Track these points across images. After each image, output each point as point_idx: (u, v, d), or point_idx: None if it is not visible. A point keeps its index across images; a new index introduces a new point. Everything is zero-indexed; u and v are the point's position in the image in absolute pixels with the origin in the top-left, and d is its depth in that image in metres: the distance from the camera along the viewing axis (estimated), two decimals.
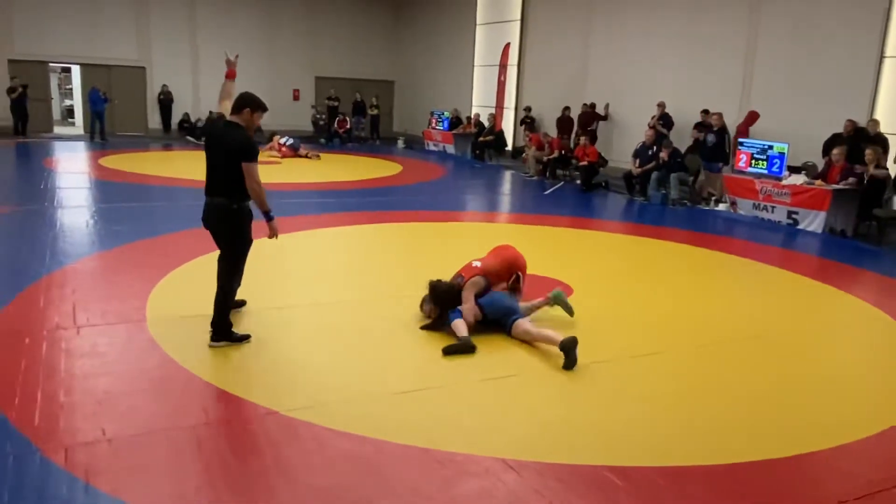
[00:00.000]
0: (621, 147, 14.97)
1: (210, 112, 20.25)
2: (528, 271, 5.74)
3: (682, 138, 13.04)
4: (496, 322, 5.09)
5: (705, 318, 5.89)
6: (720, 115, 12.09)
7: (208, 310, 4.65)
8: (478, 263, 5.44)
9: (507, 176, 15.57)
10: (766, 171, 10.87)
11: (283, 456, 3.32)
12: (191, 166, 13.77)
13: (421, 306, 5.35)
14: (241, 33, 21.54)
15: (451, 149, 19.14)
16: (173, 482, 3.09)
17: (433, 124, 20.21)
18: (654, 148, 12.40)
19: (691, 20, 13.91)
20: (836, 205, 9.76)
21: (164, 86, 20.80)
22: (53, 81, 22.64)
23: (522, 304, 5.37)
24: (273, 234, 4.69)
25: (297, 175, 13.74)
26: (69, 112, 23.95)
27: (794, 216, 10.26)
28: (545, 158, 14.91)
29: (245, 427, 3.62)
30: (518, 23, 18.52)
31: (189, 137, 20.17)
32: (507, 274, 5.50)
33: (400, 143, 21.36)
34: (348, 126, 21.95)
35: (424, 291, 5.33)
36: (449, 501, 3.04)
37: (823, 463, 3.56)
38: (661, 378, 4.55)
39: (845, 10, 11.35)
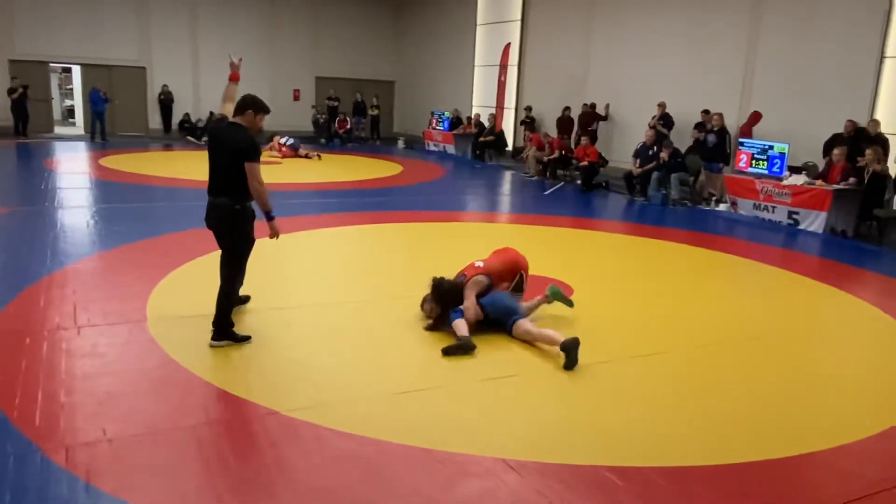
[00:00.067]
0: (622, 147, 14.97)
1: (211, 112, 20.30)
2: (529, 272, 5.74)
3: (682, 138, 13.04)
4: (497, 322, 5.09)
5: (706, 319, 5.89)
6: (721, 115, 12.09)
7: (209, 310, 4.66)
8: (480, 263, 5.45)
9: (508, 176, 15.57)
10: (766, 172, 10.87)
11: (284, 456, 3.33)
12: (191, 166, 13.79)
13: (422, 305, 5.35)
14: (242, 33, 21.57)
15: (451, 149, 19.14)
16: (174, 482, 3.09)
17: (433, 124, 20.22)
18: (655, 148, 12.41)
19: (692, 20, 13.92)
20: (837, 205, 9.76)
21: (165, 86, 20.81)
22: (54, 81, 22.65)
23: (523, 304, 5.38)
24: (274, 233, 4.71)
25: (298, 175, 13.74)
26: (70, 112, 23.96)
27: (794, 216, 10.26)
28: (545, 159, 14.90)
29: (246, 427, 3.62)
30: (518, 23, 18.52)
31: (189, 137, 20.18)
32: (509, 274, 5.51)
33: (400, 144, 21.36)
34: (349, 126, 21.97)
35: (425, 291, 5.33)
36: (450, 502, 3.04)
37: (824, 463, 3.56)
38: (661, 378, 4.55)
39: (846, 10, 11.35)
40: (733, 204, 11.29)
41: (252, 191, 4.49)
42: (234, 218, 4.55)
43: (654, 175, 12.15)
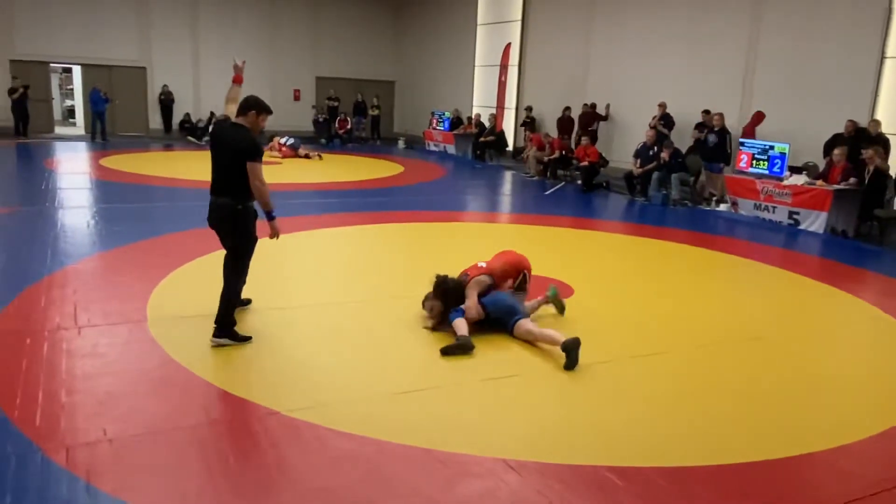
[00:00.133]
0: (622, 147, 14.97)
1: (211, 112, 20.31)
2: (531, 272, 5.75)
3: (682, 138, 13.04)
4: (498, 321, 5.10)
5: (706, 319, 5.89)
6: (721, 115, 12.09)
7: (209, 310, 4.66)
8: (483, 264, 5.47)
9: (508, 176, 15.57)
10: (767, 172, 10.87)
11: (285, 456, 3.33)
12: (192, 166, 13.81)
13: (423, 303, 5.36)
14: (242, 33, 21.58)
15: (451, 149, 19.14)
16: (175, 482, 3.09)
17: (434, 124, 20.22)
18: (655, 148, 12.40)
19: (692, 20, 13.91)
20: (838, 205, 9.76)
21: (165, 86, 20.82)
22: (54, 82, 22.66)
23: (525, 304, 5.40)
24: (274, 233, 4.72)
25: (299, 175, 13.74)
26: (70, 112, 23.97)
27: (795, 216, 10.26)
28: (546, 159, 14.91)
29: (246, 427, 3.62)
30: (519, 23, 18.52)
31: (190, 138, 20.18)
32: (513, 272, 5.51)
33: (400, 144, 21.37)
34: (349, 126, 21.97)
35: (425, 291, 5.34)
36: (450, 502, 3.04)
37: (824, 463, 3.56)
38: (661, 378, 4.55)
39: (846, 10, 11.35)
40: (734, 204, 11.29)
41: (254, 190, 4.52)
42: (236, 217, 4.58)
43: (655, 175, 12.15)
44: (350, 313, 5.52)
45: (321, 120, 21.91)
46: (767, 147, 10.98)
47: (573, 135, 15.84)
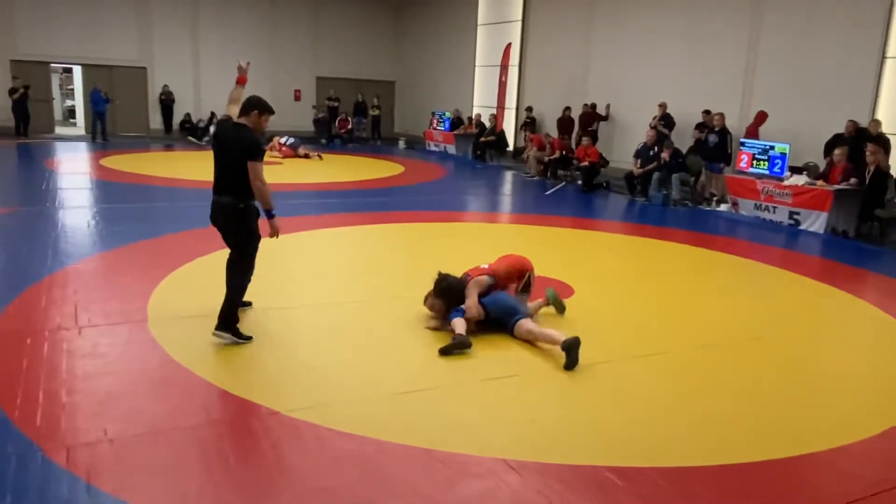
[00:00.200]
0: (622, 147, 14.97)
1: (212, 113, 20.32)
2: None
3: (683, 138, 13.04)
4: (499, 321, 5.10)
5: (706, 319, 5.89)
6: (722, 115, 12.09)
7: (209, 310, 4.66)
8: (485, 266, 5.48)
9: (509, 176, 15.57)
10: (767, 172, 10.87)
11: (285, 456, 3.33)
12: (192, 167, 13.81)
13: (424, 301, 5.37)
14: (242, 33, 21.59)
15: (452, 149, 19.15)
16: (175, 482, 3.09)
17: (434, 125, 20.22)
18: (656, 148, 12.40)
19: (692, 20, 13.92)
20: (838, 205, 9.76)
21: (166, 86, 20.83)
22: (55, 82, 22.68)
23: (529, 304, 5.41)
24: (274, 232, 4.74)
25: (299, 175, 13.75)
26: (70, 112, 23.99)
27: (795, 217, 10.26)
28: (546, 159, 14.91)
29: (247, 427, 3.62)
30: (519, 23, 18.52)
31: (190, 138, 20.19)
32: (516, 274, 5.51)
33: (401, 144, 21.37)
34: (349, 126, 21.97)
35: (426, 290, 5.35)
36: (450, 502, 3.04)
37: (824, 463, 3.56)
38: (661, 378, 4.55)
39: (847, 11, 11.35)
40: (734, 204, 11.29)
41: (254, 190, 4.55)
42: (237, 216, 4.63)
43: (655, 175, 12.15)
44: (350, 313, 5.52)
45: (320, 116, 21.89)
46: (768, 147, 10.98)
47: (573, 135, 15.84)
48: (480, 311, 5.09)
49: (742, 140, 11.72)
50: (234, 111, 4.77)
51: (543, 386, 4.33)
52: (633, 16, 15.25)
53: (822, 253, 8.88)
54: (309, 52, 23.02)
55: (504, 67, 19.00)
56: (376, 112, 22.63)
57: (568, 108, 16.25)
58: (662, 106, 13.60)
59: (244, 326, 4.86)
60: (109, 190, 11.22)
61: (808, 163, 10.99)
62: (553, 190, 13.48)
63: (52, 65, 20.74)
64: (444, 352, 4.67)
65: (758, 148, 11.14)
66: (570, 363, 4.53)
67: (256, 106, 4.64)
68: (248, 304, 5.31)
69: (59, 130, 20.79)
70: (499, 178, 15.45)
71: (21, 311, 5.14)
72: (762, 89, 12.62)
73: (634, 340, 5.21)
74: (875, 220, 9.82)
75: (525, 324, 5.00)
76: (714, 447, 3.65)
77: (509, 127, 18.90)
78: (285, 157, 16.57)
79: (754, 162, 11.11)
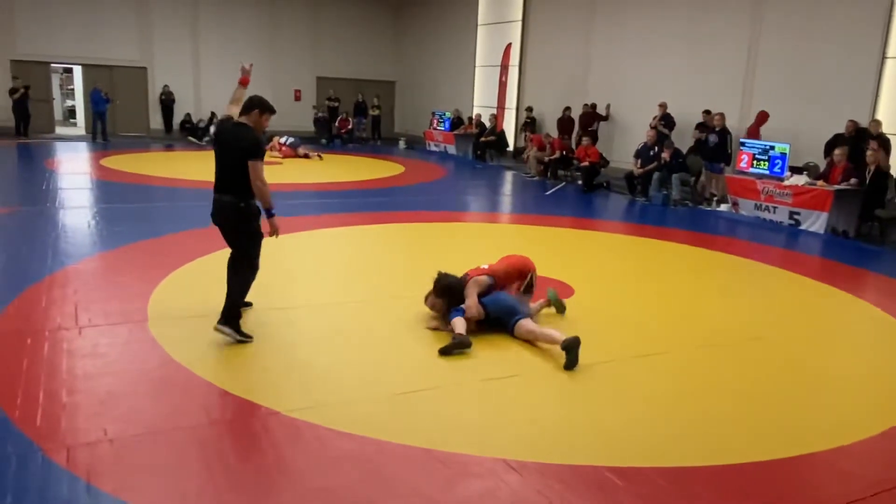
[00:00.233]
0: (622, 147, 14.97)
1: (212, 113, 20.32)
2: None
3: (683, 138, 13.04)
4: (499, 321, 5.10)
5: (706, 319, 5.89)
6: (722, 115, 12.09)
7: (210, 310, 4.67)
8: (486, 266, 5.48)
9: (509, 176, 15.57)
10: (767, 172, 10.87)
11: (285, 456, 3.33)
12: (192, 167, 13.81)
13: (425, 301, 5.38)
14: (242, 33, 21.60)
15: (452, 149, 19.15)
16: (175, 482, 3.09)
17: (434, 125, 20.22)
18: (656, 148, 12.40)
19: (692, 20, 13.92)
20: (838, 205, 9.76)
21: (166, 86, 20.83)
22: (55, 82, 22.68)
23: (531, 305, 5.42)
24: (273, 231, 4.74)
25: (299, 175, 13.75)
26: (71, 112, 23.99)
27: (795, 217, 10.26)
28: (546, 159, 14.91)
29: (247, 427, 3.63)
30: (519, 23, 18.52)
31: (191, 138, 20.19)
32: (518, 274, 5.51)
33: (401, 144, 21.37)
34: (350, 126, 21.97)
35: (426, 290, 5.36)
36: (450, 502, 3.04)
37: (824, 463, 3.56)
38: (661, 378, 4.55)
39: (847, 10, 11.35)
40: (734, 204, 11.29)
41: (254, 189, 4.57)
42: (238, 215, 4.65)
43: (656, 175, 12.14)
44: (350, 313, 5.52)
45: (320, 115, 21.88)
46: (768, 147, 10.98)
47: (574, 135, 15.84)
48: (480, 310, 5.09)
49: (742, 140, 11.72)
50: (235, 111, 4.78)
51: (543, 386, 4.33)
52: (633, 16, 15.25)
53: (823, 253, 8.88)
54: (309, 52, 23.02)
55: (504, 67, 19.00)
56: (376, 112, 22.63)
57: (568, 108, 16.25)
58: (663, 106, 13.60)
59: (245, 326, 4.86)
60: (110, 190, 11.22)
61: (809, 163, 10.99)
62: (553, 190, 13.48)
63: (52, 65, 20.74)
64: (444, 352, 4.67)
65: (758, 148, 11.14)
66: (570, 363, 4.53)
67: (257, 105, 4.66)
68: (249, 304, 5.32)
69: (59, 130, 20.80)
70: (499, 178, 15.45)
71: (21, 311, 5.14)
72: (762, 89, 12.61)
73: (634, 340, 5.21)
74: (875, 220, 9.82)
75: (525, 324, 5.00)
76: (714, 447, 3.65)
77: (509, 127, 18.90)
78: (285, 156, 16.57)
79: (754, 162, 11.11)
